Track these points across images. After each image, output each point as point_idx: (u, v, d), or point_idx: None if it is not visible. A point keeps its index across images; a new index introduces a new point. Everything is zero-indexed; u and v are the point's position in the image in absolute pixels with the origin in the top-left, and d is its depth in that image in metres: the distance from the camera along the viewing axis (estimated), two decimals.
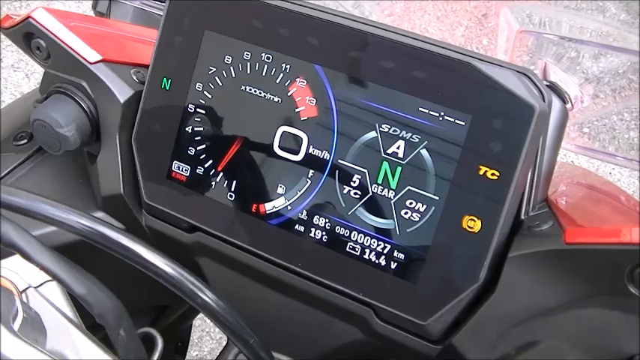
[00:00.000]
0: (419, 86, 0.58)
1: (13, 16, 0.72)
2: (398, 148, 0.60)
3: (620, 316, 0.54)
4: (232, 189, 0.66)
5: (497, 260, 0.58)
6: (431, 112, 0.58)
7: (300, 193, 0.63)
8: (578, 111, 0.66)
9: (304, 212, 0.63)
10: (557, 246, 0.55)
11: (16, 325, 0.53)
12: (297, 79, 0.62)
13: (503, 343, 0.59)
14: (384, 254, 0.61)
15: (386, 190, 0.60)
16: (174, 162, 0.68)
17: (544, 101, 0.58)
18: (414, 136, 0.59)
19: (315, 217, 0.63)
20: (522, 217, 0.61)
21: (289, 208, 0.64)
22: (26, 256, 0.53)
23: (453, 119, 0.57)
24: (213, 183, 0.67)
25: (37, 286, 0.61)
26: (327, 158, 0.62)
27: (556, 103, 0.61)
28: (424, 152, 0.59)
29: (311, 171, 0.63)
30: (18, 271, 0.61)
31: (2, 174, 0.76)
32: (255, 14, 0.64)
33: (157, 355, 0.62)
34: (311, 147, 0.63)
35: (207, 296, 0.57)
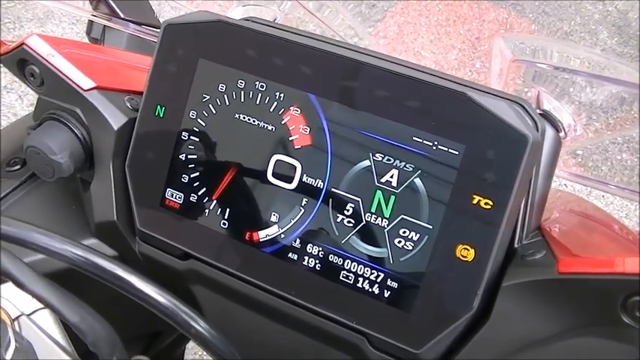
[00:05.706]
0: (413, 116, 0.59)
1: (7, 43, 0.72)
2: (391, 177, 0.60)
3: (613, 345, 0.54)
4: (226, 217, 0.66)
5: (491, 289, 0.58)
6: (425, 142, 0.58)
7: (293, 222, 0.63)
8: (571, 139, 0.66)
9: (297, 240, 0.63)
10: (551, 276, 0.55)
11: (8, 355, 0.53)
12: (291, 108, 0.62)
13: None
14: (377, 283, 0.61)
15: (379, 218, 0.60)
16: (168, 189, 0.68)
17: (537, 131, 0.59)
18: (407, 165, 0.59)
19: (309, 245, 0.63)
20: (516, 245, 0.61)
21: (282, 236, 0.64)
22: (19, 284, 0.53)
23: (446, 149, 0.57)
24: (207, 211, 0.66)
25: (30, 314, 0.61)
26: (321, 187, 0.62)
27: (549, 131, 0.61)
28: (418, 181, 0.59)
29: (304, 199, 0.63)
30: (10, 299, 0.61)
31: None
32: (249, 43, 0.64)
33: None
34: (304, 175, 0.63)
35: (200, 326, 0.57)
